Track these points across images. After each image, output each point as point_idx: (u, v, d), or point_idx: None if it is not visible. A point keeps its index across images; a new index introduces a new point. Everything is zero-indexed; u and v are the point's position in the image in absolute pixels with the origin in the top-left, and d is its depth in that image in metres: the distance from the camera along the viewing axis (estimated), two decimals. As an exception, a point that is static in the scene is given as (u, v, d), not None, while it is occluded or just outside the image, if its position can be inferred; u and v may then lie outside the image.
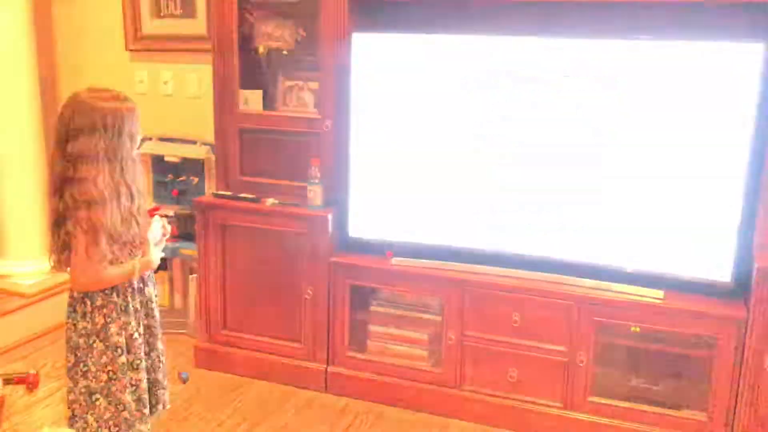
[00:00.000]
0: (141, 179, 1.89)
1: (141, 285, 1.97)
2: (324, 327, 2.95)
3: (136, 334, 1.94)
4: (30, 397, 2.92)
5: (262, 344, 3.08)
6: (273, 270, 3.00)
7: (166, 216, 3.46)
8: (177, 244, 3.39)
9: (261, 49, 3.08)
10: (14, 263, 3.55)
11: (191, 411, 2.84)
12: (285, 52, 3.07)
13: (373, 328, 2.96)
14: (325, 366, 2.98)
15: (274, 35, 3.07)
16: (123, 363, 1.91)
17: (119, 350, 1.90)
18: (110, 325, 1.88)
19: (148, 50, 3.67)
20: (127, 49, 3.71)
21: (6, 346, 3.28)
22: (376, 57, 2.79)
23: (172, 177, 3.62)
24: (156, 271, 2.10)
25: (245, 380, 3.09)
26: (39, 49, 3.61)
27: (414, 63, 2.75)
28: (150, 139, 3.61)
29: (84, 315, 1.88)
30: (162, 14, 3.61)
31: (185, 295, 3.54)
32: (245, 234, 3.01)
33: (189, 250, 3.33)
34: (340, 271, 2.88)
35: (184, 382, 3.05)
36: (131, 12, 3.64)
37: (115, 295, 1.89)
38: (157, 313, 2.05)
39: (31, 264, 3.52)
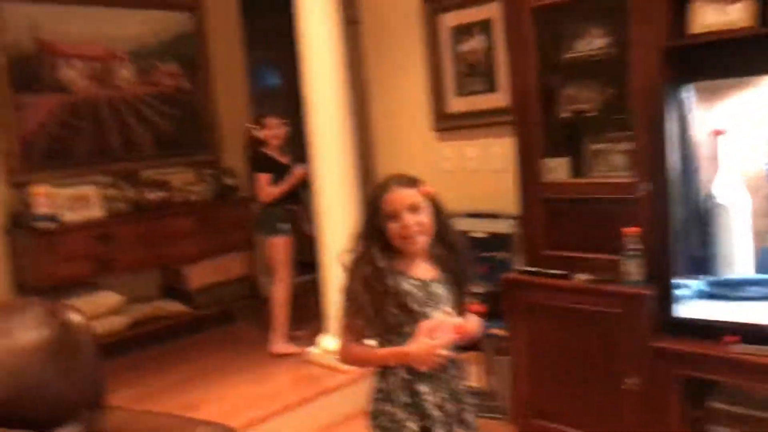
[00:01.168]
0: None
1: (411, 378, 1.85)
2: (649, 425, 2.52)
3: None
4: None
5: (576, 438, 2.75)
6: (587, 354, 2.68)
7: (478, 294, 3.40)
8: (487, 324, 3.26)
9: (564, 114, 2.88)
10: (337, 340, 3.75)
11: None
12: (591, 115, 2.83)
13: (713, 429, 2.45)
14: (655, 471, 2.53)
15: (578, 98, 2.86)
16: None
17: None
18: (379, 414, 1.86)
19: (453, 128, 3.72)
20: (433, 128, 3.80)
21: (329, 423, 3.41)
22: (692, 108, 2.41)
23: (479, 253, 3.54)
24: (466, 351, 2.00)
25: (561, 477, 2.78)
26: (359, 131, 3.87)
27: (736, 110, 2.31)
28: (457, 215, 3.59)
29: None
30: (464, 92, 3.63)
31: (497, 377, 3.37)
32: (554, 313, 2.76)
33: (498, 329, 3.17)
34: (665, 358, 2.46)
35: None
36: (436, 93, 3.74)
37: (381, 379, 1.88)
38: (455, 411, 1.89)
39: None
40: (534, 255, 2.92)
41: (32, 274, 3.99)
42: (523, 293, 2.84)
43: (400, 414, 1.83)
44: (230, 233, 4.77)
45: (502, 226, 3.40)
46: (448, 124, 3.75)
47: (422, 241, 1.86)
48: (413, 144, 3.93)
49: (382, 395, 1.86)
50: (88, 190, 4.22)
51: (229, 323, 4.97)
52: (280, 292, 4.17)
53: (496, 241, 3.45)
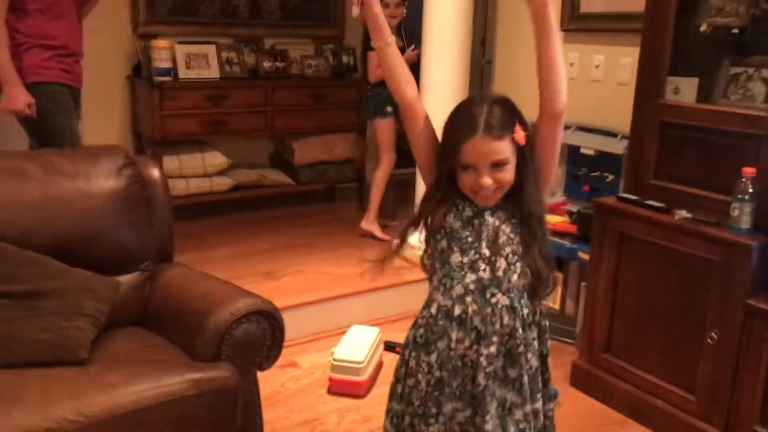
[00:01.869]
0: None
1: (443, 315, 1.57)
2: (727, 385, 2.29)
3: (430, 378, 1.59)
4: (404, 370, 2.96)
5: (646, 383, 2.56)
6: (672, 298, 2.45)
7: (571, 213, 3.18)
8: (575, 246, 3.06)
9: (703, 27, 2.49)
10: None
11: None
12: (735, 31, 2.43)
13: (797, 404, 2.20)
14: (722, 433, 2.33)
15: (725, 9, 2.46)
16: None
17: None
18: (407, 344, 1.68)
19: (584, 30, 3.37)
20: (562, 28, 3.46)
21: (399, 314, 3.41)
22: None
23: (586, 171, 3.28)
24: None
25: (620, 417, 2.63)
26: (479, 17, 3.63)
27: None
28: (569, 127, 3.32)
29: None
30: (603, -10, 3.25)
31: (577, 302, 3.20)
32: (645, 248, 2.52)
33: (587, 254, 2.97)
34: (760, 319, 2.18)
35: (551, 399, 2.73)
36: (573, -11, 3.38)
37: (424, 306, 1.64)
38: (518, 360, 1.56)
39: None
40: (638, 182, 2.64)
41: (146, 125, 4.15)
42: (617, 221, 2.60)
43: (417, 358, 1.61)
44: (342, 113, 4.73)
45: (615, 146, 3.11)
46: (579, 24, 3.39)
47: (496, 197, 1.52)
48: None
49: (415, 325, 1.65)
50: (208, 50, 4.26)
51: (329, 202, 5.03)
52: (380, 173, 4.15)
53: (606, 160, 3.16)
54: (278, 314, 2.02)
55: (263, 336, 1.99)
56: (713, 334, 2.30)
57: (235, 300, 1.98)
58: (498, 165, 1.47)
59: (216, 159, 4.33)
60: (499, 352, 1.54)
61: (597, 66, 3.33)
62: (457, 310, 1.54)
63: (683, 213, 2.41)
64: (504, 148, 1.47)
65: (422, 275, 3.50)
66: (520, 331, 1.54)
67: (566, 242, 3.08)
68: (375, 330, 3.01)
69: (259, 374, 2.07)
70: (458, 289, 1.54)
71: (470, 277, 1.53)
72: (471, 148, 1.46)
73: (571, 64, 3.46)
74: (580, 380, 2.81)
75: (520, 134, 1.48)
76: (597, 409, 2.70)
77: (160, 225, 2.35)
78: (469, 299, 1.53)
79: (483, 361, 1.53)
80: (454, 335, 1.54)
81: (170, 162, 4.13)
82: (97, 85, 4.04)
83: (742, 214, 2.22)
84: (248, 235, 4.16)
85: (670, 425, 2.47)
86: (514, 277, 1.53)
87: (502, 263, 1.52)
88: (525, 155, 1.50)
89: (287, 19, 4.75)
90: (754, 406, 2.24)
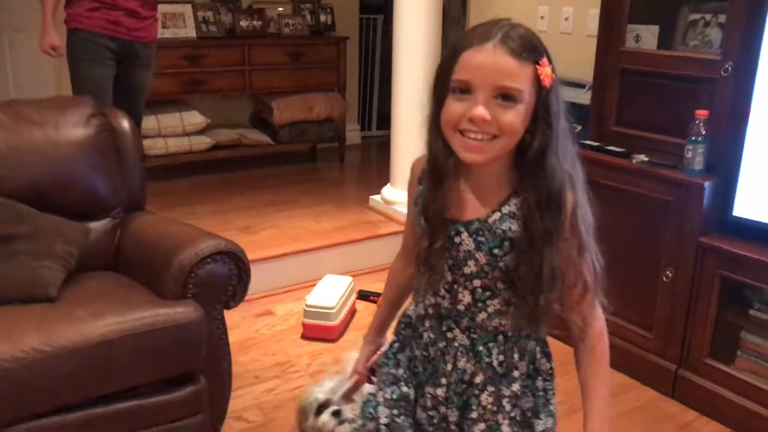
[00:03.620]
0: None
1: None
2: (681, 321, 2.38)
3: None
4: (377, 318, 3.05)
5: (608, 323, 2.64)
6: (631, 239, 2.52)
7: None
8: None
9: (662, -26, 2.54)
10: (399, 192, 3.74)
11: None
12: (693, -23, 2.48)
13: (747, 337, 2.29)
14: (676, 367, 2.42)
15: (683, -44, 2.50)
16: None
17: None
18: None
19: (553, -18, 3.40)
20: (531, -17, 3.49)
21: (374, 267, 3.48)
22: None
23: (555, 123, 3.33)
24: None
25: (583, 358, 2.72)
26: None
27: None
28: (538, 80, 3.37)
29: None
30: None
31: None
32: (607, 193, 2.57)
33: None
34: (711, 256, 2.27)
35: None
36: (540, -59, 3.40)
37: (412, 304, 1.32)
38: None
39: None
40: (600, 129, 2.71)
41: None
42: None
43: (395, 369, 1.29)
44: (321, 72, 4.76)
45: (583, 97, 3.15)
46: (548, -23, 3.43)
47: (488, 153, 1.07)
48: (511, -2, 3.65)
49: (399, 330, 1.33)
50: (184, 9, 4.27)
51: (309, 162, 5.08)
52: None
53: (574, 111, 3.20)
54: (243, 255, 2.08)
55: (228, 275, 2.05)
56: (668, 272, 2.38)
57: (200, 241, 2.04)
58: (506, 97, 1.03)
59: (194, 118, 4.36)
60: (447, 399, 1.22)
61: (566, 19, 3.37)
62: (420, 328, 1.26)
63: (641, 157, 2.48)
64: (521, 75, 1.03)
65: (397, 227, 3.57)
66: (478, 379, 1.20)
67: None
68: (348, 279, 3.08)
69: (234, 322, 2.14)
70: (419, 309, 1.25)
71: (429, 300, 1.21)
72: (473, 58, 1.02)
73: (542, 17, 3.49)
74: (546, 324, 2.90)
75: (546, 69, 1.05)
76: (558, 347, 2.78)
77: (130, 174, 2.40)
78: (426, 324, 1.23)
79: (428, 401, 1.24)
80: (417, 352, 1.26)
81: (148, 122, 4.16)
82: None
83: (695, 156, 2.29)
84: (228, 193, 4.21)
85: (630, 361, 2.56)
86: (481, 316, 1.18)
87: (465, 296, 1.18)
88: (548, 111, 1.07)
89: (264, -23, 4.76)
90: (705, 341, 2.33)
